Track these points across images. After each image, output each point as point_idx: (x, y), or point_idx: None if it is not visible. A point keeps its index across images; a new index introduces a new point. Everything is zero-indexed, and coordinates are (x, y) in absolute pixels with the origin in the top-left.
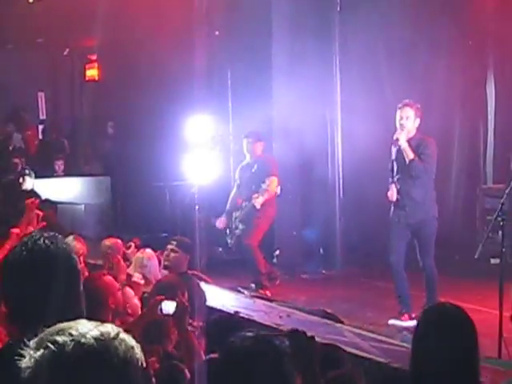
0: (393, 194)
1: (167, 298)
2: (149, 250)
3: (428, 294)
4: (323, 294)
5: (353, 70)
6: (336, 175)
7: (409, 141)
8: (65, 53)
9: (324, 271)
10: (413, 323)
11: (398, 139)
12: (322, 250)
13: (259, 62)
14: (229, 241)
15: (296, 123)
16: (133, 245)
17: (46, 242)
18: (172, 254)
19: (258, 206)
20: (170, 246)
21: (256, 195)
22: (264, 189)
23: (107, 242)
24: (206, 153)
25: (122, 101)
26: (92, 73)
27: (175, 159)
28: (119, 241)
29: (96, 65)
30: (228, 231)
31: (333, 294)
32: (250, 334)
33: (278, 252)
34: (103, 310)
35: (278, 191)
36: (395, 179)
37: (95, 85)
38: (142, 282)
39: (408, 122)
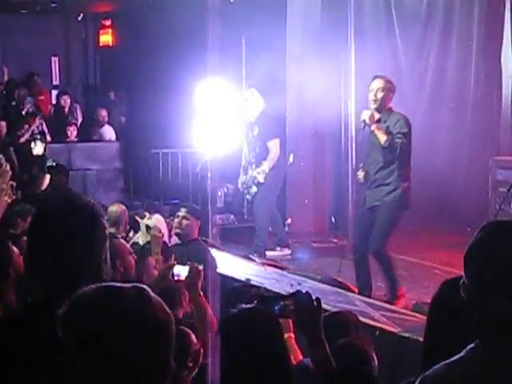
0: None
1: (179, 263)
2: (157, 216)
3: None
4: (334, 262)
5: (367, 38)
6: (349, 144)
7: (381, 117)
8: (79, 18)
9: (335, 240)
10: None
11: (364, 121)
12: (333, 219)
13: (273, 30)
14: (248, 197)
15: (310, 91)
16: (147, 215)
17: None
18: (184, 222)
19: (262, 180)
20: (180, 213)
21: (258, 170)
22: (266, 162)
23: (113, 207)
24: (221, 120)
25: (137, 67)
26: (106, 38)
27: (189, 126)
28: (123, 206)
29: (110, 30)
30: (245, 187)
31: (344, 263)
32: (247, 306)
33: (289, 220)
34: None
35: (291, 159)
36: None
37: (109, 50)
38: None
39: (380, 94)
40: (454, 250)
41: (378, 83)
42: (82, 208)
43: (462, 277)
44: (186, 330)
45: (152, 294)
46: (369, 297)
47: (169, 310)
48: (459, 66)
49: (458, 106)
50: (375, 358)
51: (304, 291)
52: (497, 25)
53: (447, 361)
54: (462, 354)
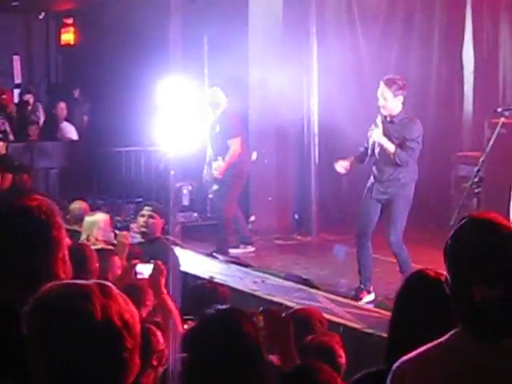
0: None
1: (142, 262)
2: (100, 213)
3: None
4: (298, 260)
5: (330, 35)
6: (312, 141)
7: (392, 119)
8: (40, 16)
9: (299, 237)
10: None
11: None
12: (297, 216)
13: (235, 28)
14: (210, 195)
15: (272, 89)
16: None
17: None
18: (150, 220)
19: (219, 176)
20: (146, 212)
21: (215, 165)
22: (223, 159)
23: (75, 204)
24: (183, 118)
25: (98, 65)
26: (68, 37)
27: (151, 124)
28: (84, 203)
29: (72, 29)
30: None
31: (308, 260)
32: (224, 308)
33: (253, 218)
34: (80, 275)
35: (254, 157)
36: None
37: (71, 49)
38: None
39: (387, 102)
40: (417, 246)
41: (384, 92)
42: (35, 208)
43: (424, 270)
44: (152, 328)
45: (116, 290)
46: (333, 293)
47: (133, 308)
48: (421, 62)
49: (419, 102)
50: (343, 355)
51: (273, 308)
52: (458, 21)
53: (422, 348)
54: (440, 340)
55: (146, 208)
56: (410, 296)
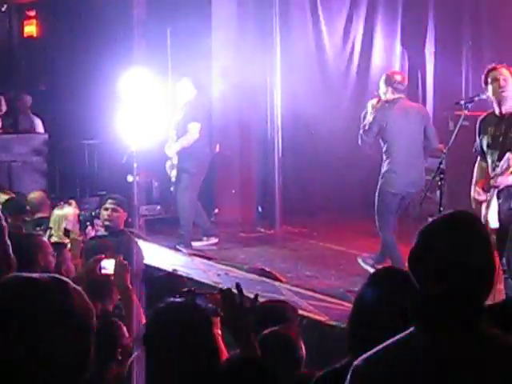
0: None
1: (106, 257)
2: (70, 207)
3: None
4: (262, 252)
5: (293, 27)
6: (275, 134)
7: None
8: (3, 9)
9: (263, 230)
10: None
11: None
12: (260, 209)
13: (199, 20)
14: (172, 188)
15: (236, 82)
16: (73, 202)
17: None
18: (114, 214)
19: (170, 154)
20: (109, 205)
21: (168, 145)
22: (181, 140)
23: (32, 194)
24: (146, 111)
25: (62, 57)
26: (30, 29)
27: (115, 117)
28: (43, 193)
29: (34, 21)
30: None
31: (271, 253)
32: (176, 300)
33: (217, 210)
34: (31, 267)
35: (218, 149)
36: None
37: (34, 41)
38: (81, 238)
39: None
40: (379, 238)
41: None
42: None
43: (389, 268)
44: (118, 321)
45: (71, 285)
46: (296, 285)
47: (90, 302)
48: (383, 57)
49: None
50: (303, 346)
51: (234, 287)
52: (420, 16)
53: (380, 346)
54: (397, 338)
55: (110, 201)
56: (373, 291)
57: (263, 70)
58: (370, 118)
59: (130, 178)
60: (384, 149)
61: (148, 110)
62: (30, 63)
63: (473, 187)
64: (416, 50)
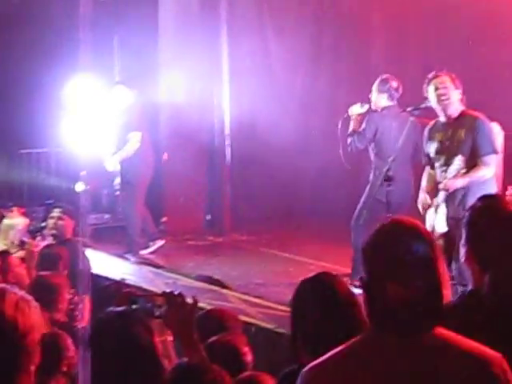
0: None
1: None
2: (20, 217)
3: None
4: (210, 260)
5: (240, 35)
6: (223, 142)
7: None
8: None
9: (211, 238)
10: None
11: None
12: (209, 217)
13: (146, 29)
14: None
15: (183, 89)
16: (15, 209)
17: None
18: (59, 222)
19: (110, 169)
20: (55, 214)
21: (110, 159)
22: (121, 151)
23: None
24: (92, 118)
25: (4, 64)
26: None
27: (60, 125)
28: None
29: None
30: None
31: (220, 261)
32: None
33: (165, 219)
34: None
35: (165, 157)
36: None
37: None
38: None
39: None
40: (327, 245)
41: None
42: None
43: (318, 275)
44: (62, 333)
45: (11, 293)
46: (245, 293)
47: (31, 312)
48: (331, 62)
49: (331, 97)
50: (249, 353)
51: (176, 291)
52: (366, 21)
53: (333, 351)
54: (347, 344)
55: (56, 210)
56: (304, 300)
57: (211, 79)
58: (354, 124)
59: (79, 187)
60: (374, 156)
61: (94, 117)
62: None
63: (421, 193)
64: (362, 56)
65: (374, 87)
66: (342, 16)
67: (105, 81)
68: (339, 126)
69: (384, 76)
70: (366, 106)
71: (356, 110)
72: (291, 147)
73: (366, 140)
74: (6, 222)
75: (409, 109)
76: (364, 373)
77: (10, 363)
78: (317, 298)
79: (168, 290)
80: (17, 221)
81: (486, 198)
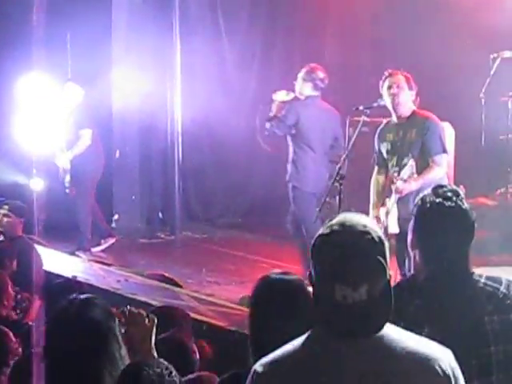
0: None
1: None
2: None
3: None
4: (162, 258)
5: (193, 32)
6: (175, 141)
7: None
8: None
9: (163, 236)
10: None
11: None
12: (161, 215)
13: (99, 25)
14: (67, 190)
15: (136, 87)
16: None
17: None
18: (5, 219)
19: (65, 166)
20: (1, 211)
21: (63, 156)
22: (73, 148)
23: None
24: (44, 115)
25: None
26: None
27: (12, 122)
28: None
29: None
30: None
31: (172, 259)
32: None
33: (116, 216)
34: None
35: (118, 155)
36: None
37: None
38: None
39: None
40: (278, 243)
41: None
42: None
43: (268, 275)
44: (3, 328)
45: None
46: (196, 291)
47: None
48: (283, 60)
49: None
50: (196, 351)
51: (136, 310)
52: (320, 19)
53: (281, 349)
54: (297, 341)
55: (4, 207)
56: (258, 300)
57: (163, 76)
58: (275, 110)
59: (35, 184)
60: (293, 146)
61: (46, 115)
62: None
63: (371, 210)
64: (316, 54)
65: (300, 76)
66: (295, 13)
67: (57, 78)
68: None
69: (312, 65)
70: (292, 95)
71: (281, 96)
72: (244, 144)
73: (286, 127)
74: None
75: (361, 107)
76: (312, 373)
77: None
78: (279, 298)
79: (129, 308)
80: None
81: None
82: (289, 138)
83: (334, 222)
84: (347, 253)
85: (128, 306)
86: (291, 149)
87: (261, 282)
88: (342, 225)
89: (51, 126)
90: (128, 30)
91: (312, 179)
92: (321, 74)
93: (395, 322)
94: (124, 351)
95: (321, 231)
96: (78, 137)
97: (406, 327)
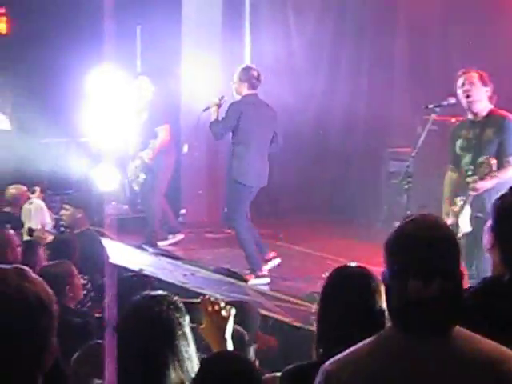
0: None
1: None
2: (36, 200)
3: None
4: (228, 253)
5: (263, 26)
6: None
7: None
8: None
9: (229, 230)
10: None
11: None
12: (226, 210)
13: (169, 19)
14: (136, 187)
15: (205, 81)
16: (38, 189)
17: None
18: (65, 213)
19: (148, 161)
20: (67, 205)
21: (145, 151)
22: (153, 144)
23: (12, 189)
24: (113, 109)
25: (30, 54)
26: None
27: (82, 115)
28: (24, 187)
29: (4, 18)
30: (133, 176)
31: (238, 254)
32: (150, 293)
33: (184, 211)
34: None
35: (186, 150)
36: None
37: (3, 38)
38: (45, 235)
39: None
40: (347, 241)
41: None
42: None
43: (346, 266)
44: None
45: (33, 274)
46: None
47: (50, 290)
48: (353, 56)
49: (351, 96)
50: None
51: (212, 299)
52: (391, 13)
53: (352, 348)
54: (369, 340)
55: (68, 201)
56: (332, 292)
57: (233, 68)
58: (216, 114)
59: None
60: (236, 143)
61: (114, 107)
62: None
63: (444, 207)
64: (386, 51)
65: (235, 76)
66: (364, 9)
67: (126, 71)
68: (199, 119)
69: (245, 65)
70: (225, 98)
71: (215, 101)
72: (311, 140)
73: (230, 128)
74: (25, 206)
75: (431, 105)
76: (384, 373)
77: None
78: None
79: (206, 297)
80: (34, 206)
81: None
82: (231, 137)
83: (406, 219)
84: (420, 247)
85: (205, 296)
86: (234, 146)
87: (336, 271)
88: (415, 221)
89: (121, 119)
90: (198, 24)
91: (255, 174)
92: (255, 73)
93: (480, 323)
94: (192, 349)
95: (395, 229)
96: (155, 133)
97: (493, 328)
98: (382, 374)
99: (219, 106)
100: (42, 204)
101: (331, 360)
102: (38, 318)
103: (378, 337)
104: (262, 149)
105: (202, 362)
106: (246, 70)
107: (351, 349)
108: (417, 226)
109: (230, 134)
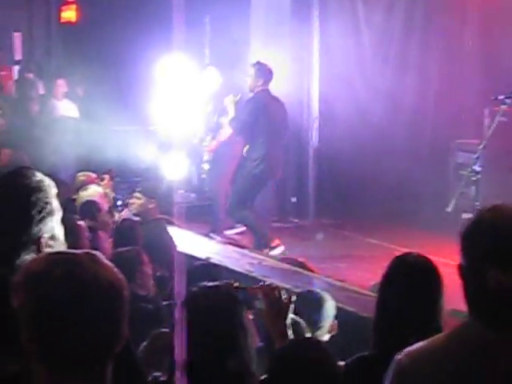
0: None
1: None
2: (93, 188)
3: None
4: (295, 242)
5: (332, 18)
6: (310, 124)
7: None
8: None
9: (296, 220)
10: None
11: None
12: (294, 199)
13: (237, 9)
14: (203, 175)
15: (274, 71)
16: (107, 177)
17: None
18: (136, 201)
19: (206, 157)
20: (137, 194)
21: (206, 143)
22: (217, 136)
23: (81, 176)
24: (182, 98)
25: (99, 43)
26: (69, 14)
27: (150, 103)
28: (93, 174)
29: (73, 6)
30: (195, 169)
31: (304, 244)
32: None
33: None
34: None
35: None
36: None
37: (72, 26)
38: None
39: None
40: (414, 232)
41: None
42: (14, 188)
43: (409, 254)
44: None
45: (105, 260)
46: (329, 277)
47: (121, 275)
48: (421, 48)
49: (420, 89)
50: None
51: (273, 285)
52: (458, 8)
53: (427, 340)
54: (445, 333)
55: (138, 189)
56: (391, 281)
57: (301, 59)
58: (233, 111)
59: (173, 167)
60: (253, 137)
61: (183, 96)
62: (68, 48)
63: None
64: (453, 42)
65: (250, 72)
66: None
67: (195, 61)
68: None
69: (258, 61)
70: (239, 95)
71: (231, 99)
72: (379, 134)
73: (249, 123)
74: (81, 194)
75: (501, 97)
76: (464, 368)
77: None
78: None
79: (267, 283)
80: (91, 193)
81: None
82: (248, 130)
83: (482, 209)
84: (499, 235)
85: (265, 282)
86: (252, 139)
87: (396, 259)
88: (492, 210)
89: (189, 108)
90: (266, 15)
91: (275, 165)
92: (269, 69)
93: None
94: (250, 340)
95: (471, 218)
96: (220, 124)
97: None
98: (459, 370)
99: (236, 102)
100: (99, 189)
101: (405, 352)
102: (111, 304)
103: (457, 329)
104: (277, 142)
105: (279, 350)
106: (262, 65)
107: (427, 341)
108: (496, 214)
109: (248, 128)
